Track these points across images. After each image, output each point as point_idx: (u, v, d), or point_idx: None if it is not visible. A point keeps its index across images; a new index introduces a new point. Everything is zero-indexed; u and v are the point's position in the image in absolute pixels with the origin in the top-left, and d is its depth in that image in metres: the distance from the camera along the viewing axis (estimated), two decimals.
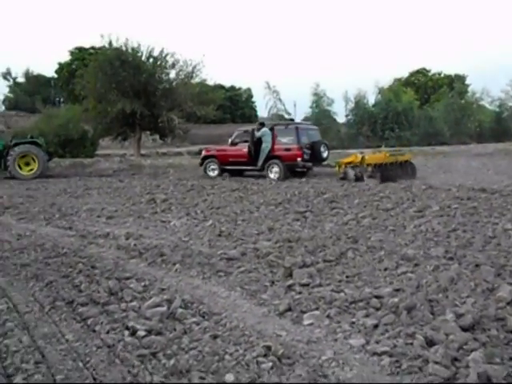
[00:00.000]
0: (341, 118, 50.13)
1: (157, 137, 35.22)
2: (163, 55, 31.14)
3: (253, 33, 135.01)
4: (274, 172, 20.55)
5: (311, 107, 48.40)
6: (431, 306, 5.03)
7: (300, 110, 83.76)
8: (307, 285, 5.90)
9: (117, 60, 29.90)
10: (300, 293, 5.65)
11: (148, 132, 34.16)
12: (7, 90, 79.00)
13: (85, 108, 32.31)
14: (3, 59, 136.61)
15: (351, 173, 18.37)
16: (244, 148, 21.63)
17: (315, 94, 47.50)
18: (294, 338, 4.43)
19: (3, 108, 72.16)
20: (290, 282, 6.02)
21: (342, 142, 43.75)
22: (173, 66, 31.80)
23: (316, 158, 20.98)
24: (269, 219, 10.60)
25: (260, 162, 20.95)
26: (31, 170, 23.77)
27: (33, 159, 23.80)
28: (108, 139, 35.14)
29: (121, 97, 29.47)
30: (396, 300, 5.08)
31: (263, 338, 4.47)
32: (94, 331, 4.72)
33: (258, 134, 21.06)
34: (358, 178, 17.92)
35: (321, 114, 47.07)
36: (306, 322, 4.82)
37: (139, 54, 30.80)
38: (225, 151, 22.61)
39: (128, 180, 21.36)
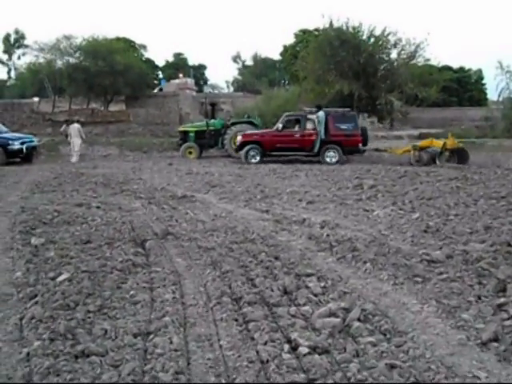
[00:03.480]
0: None
1: (375, 119, 33.99)
2: (385, 34, 29.86)
3: (484, 9, 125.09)
4: (329, 157, 21.03)
5: None
6: None
7: None
8: None
9: (336, 40, 29.24)
10: None
11: (365, 114, 33.18)
12: (236, 72, 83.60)
13: (304, 89, 32.31)
14: (234, 44, 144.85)
15: (425, 156, 19.59)
16: (296, 133, 21.32)
17: None
18: None
19: (232, 89, 76.34)
20: (502, 299, 4.81)
21: None
22: (394, 45, 30.16)
23: (365, 142, 21.94)
24: (487, 216, 9.10)
25: (317, 147, 20.99)
26: None
27: None
28: None
29: (339, 78, 28.80)
30: None
31: (454, 377, 3.46)
32: (252, 339, 4.09)
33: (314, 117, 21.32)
34: (432, 162, 19.10)
35: None
36: None
37: (360, 34, 29.90)
38: (271, 136, 21.44)
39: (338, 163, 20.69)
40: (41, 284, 5.42)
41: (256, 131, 22.61)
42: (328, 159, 20.99)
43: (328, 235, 7.63)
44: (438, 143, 19.76)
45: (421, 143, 21.11)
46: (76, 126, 23.99)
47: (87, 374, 3.54)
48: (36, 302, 4.86)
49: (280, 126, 21.55)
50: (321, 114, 21.37)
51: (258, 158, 21.30)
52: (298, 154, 21.74)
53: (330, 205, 10.61)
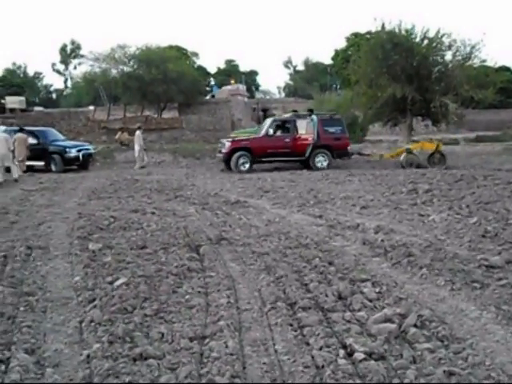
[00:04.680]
0: None
1: (429, 122, 33.39)
2: (439, 36, 29.33)
3: None
4: (320, 161, 20.80)
5: None
6: None
7: None
8: None
9: (389, 43, 28.88)
10: None
11: (419, 117, 32.66)
12: (288, 77, 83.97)
13: (356, 93, 32.07)
14: (285, 49, 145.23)
15: (416, 159, 20.36)
16: (287, 138, 20.84)
17: None
18: None
19: (283, 95, 76.60)
20: None
21: None
22: (449, 47, 29.58)
23: None
24: None
25: (308, 152, 20.71)
26: None
27: None
28: (378, 125, 34.58)
29: (392, 81, 28.42)
30: None
31: None
32: (308, 344, 4.09)
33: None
34: (421, 165, 19.82)
35: None
36: None
37: (413, 36, 29.47)
38: (262, 142, 20.59)
39: (392, 167, 20.41)
40: (99, 288, 5.55)
41: (244, 137, 22.05)
42: (319, 164, 20.75)
43: (382, 240, 7.54)
44: (430, 146, 20.83)
45: (412, 146, 21.57)
46: (136, 133, 24.58)
47: (145, 377, 3.62)
48: (95, 306, 4.98)
49: (271, 130, 20.98)
50: (315, 117, 21.15)
51: (247, 166, 20.38)
52: (289, 160, 21.33)
53: (384, 210, 10.49)
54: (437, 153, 20.38)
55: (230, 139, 21.58)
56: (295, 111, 23.06)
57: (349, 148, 21.62)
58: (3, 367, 3.81)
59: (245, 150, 20.45)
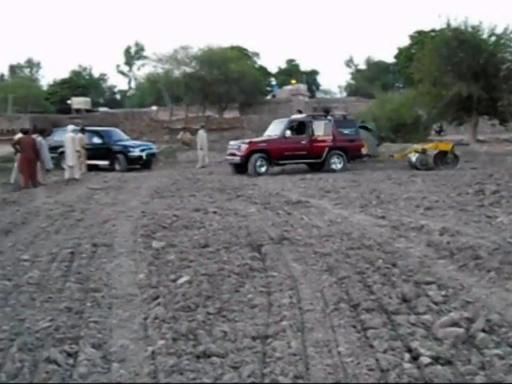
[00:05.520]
0: None
1: (496, 122, 32.46)
2: (507, 32, 28.52)
3: None
4: (334, 163, 20.32)
5: None
6: None
7: None
8: None
9: (454, 40, 28.28)
10: None
11: (486, 117, 31.80)
12: (349, 76, 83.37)
13: (419, 92, 31.48)
14: (347, 48, 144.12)
15: (430, 160, 20.21)
16: (304, 140, 20.06)
17: None
18: None
19: (345, 94, 76.04)
20: None
21: None
22: None
23: None
24: None
25: (325, 153, 20.22)
26: None
27: None
28: (443, 124, 33.91)
29: (457, 79, 27.81)
30: None
31: None
32: (372, 347, 4.01)
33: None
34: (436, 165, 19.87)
35: None
36: None
37: (479, 33, 28.75)
38: (279, 144, 19.70)
39: (459, 167, 19.91)
40: (162, 286, 5.63)
41: (262, 138, 21.23)
42: (333, 166, 20.19)
43: (448, 242, 7.34)
44: (445, 146, 20.70)
45: (427, 146, 21.22)
46: (199, 132, 24.91)
47: (209, 374, 3.64)
48: (159, 303, 5.05)
49: (288, 132, 20.09)
50: (332, 119, 20.70)
51: (264, 168, 19.54)
52: (306, 162, 20.85)
53: (449, 211, 10.22)
54: (450, 153, 20.24)
55: (246, 141, 20.79)
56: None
57: (363, 150, 21.30)
58: (71, 361, 3.91)
59: (262, 152, 19.73)
